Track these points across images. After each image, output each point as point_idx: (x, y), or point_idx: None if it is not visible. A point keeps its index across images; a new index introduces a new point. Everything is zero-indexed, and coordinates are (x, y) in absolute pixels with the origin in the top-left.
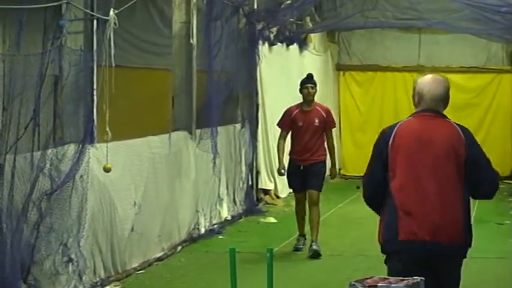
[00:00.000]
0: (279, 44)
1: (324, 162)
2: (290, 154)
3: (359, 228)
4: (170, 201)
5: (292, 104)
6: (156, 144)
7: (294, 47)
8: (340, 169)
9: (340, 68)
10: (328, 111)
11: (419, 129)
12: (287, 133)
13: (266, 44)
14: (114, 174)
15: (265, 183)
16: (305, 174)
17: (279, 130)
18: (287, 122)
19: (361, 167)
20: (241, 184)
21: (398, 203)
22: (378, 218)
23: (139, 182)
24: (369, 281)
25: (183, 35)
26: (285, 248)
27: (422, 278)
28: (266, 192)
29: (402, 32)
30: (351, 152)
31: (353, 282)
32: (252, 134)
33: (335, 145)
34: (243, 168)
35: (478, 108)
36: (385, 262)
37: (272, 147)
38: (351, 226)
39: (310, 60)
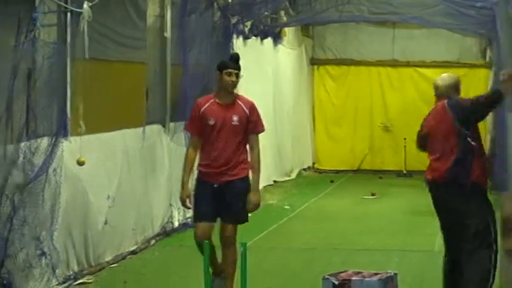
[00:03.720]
0: (253, 38)
1: (247, 179)
2: (198, 168)
3: (333, 222)
4: (144, 194)
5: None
6: (130, 138)
7: (268, 41)
8: (314, 163)
9: (314, 62)
10: (253, 108)
11: None
12: (198, 138)
13: (240, 38)
14: (87, 167)
15: None
16: (220, 198)
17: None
18: (195, 121)
19: (335, 160)
20: None
21: None
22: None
23: (113, 175)
24: (342, 275)
25: (157, 28)
26: (259, 241)
27: (396, 272)
28: None
29: (377, 27)
30: (325, 145)
31: (327, 276)
32: None
33: (261, 158)
34: None
35: None
36: None
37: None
38: (324, 220)
39: (284, 54)
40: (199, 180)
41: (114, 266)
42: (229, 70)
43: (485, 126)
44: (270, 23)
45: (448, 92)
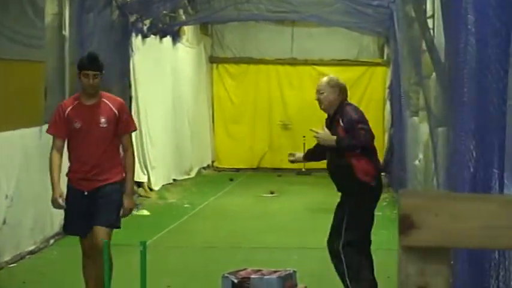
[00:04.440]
0: (152, 36)
1: (121, 184)
2: (68, 175)
3: (232, 220)
4: (43, 193)
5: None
6: (28, 137)
7: (167, 39)
8: (213, 161)
9: (213, 60)
10: (121, 106)
11: None
12: (63, 141)
13: (139, 37)
14: None
15: (138, 176)
16: (91, 206)
17: (154, 120)
18: (60, 124)
19: (234, 158)
20: None
21: None
22: (250, 211)
23: (11, 174)
24: (242, 273)
25: (55, 26)
26: (158, 240)
27: (295, 269)
28: (139, 184)
29: (276, 25)
30: (224, 143)
31: (226, 274)
32: None
33: (135, 159)
34: None
35: (350, 100)
36: None
37: (146, 140)
38: (224, 218)
39: (183, 52)
40: (69, 188)
41: (12, 266)
42: (85, 71)
43: (383, 125)
44: (169, 22)
45: None
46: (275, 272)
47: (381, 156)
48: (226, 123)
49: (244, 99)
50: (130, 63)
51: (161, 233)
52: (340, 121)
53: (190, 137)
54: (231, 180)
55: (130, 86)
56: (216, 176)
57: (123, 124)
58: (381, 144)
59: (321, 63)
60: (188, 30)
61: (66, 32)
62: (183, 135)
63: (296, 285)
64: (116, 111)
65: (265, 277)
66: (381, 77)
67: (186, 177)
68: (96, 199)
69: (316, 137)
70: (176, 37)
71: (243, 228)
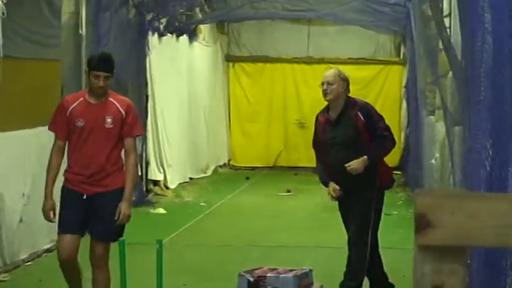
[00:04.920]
0: (168, 35)
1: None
2: (65, 174)
3: (248, 219)
4: (59, 192)
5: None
6: (44, 135)
7: (184, 38)
8: (229, 160)
9: (229, 59)
10: (129, 108)
11: None
12: (64, 141)
13: (156, 35)
14: (2, 165)
15: (155, 174)
16: (89, 211)
17: (170, 119)
18: (62, 122)
19: (250, 157)
20: None
21: None
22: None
23: (27, 172)
24: (257, 271)
25: (72, 25)
26: (174, 239)
27: (311, 268)
28: (155, 183)
29: (292, 24)
30: (240, 142)
31: (242, 273)
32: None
33: (138, 165)
34: None
35: (366, 99)
36: None
37: (162, 138)
38: (240, 217)
39: (199, 51)
40: (65, 189)
41: (29, 264)
42: (96, 72)
43: (399, 124)
44: (185, 20)
45: None
46: (291, 270)
47: (397, 155)
48: (243, 122)
49: (260, 98)
50: (147, 62)
51: (177, 231)
52: (360, 114)
53: (207, 136)
54: (247, 178)
55: (146, 84)
56: (232, 174)
57: (128, 126)
58: (397, 142)
59: (337, 61)
60: (204, 29)
61: (83, 31)
62: (199, 134)
63: (312, 284)
64: (123, 112)
65: (281, 276)
66: (397, 75)
67: (203, 175)
68: (96, 206)
69: (352, 169)
70: (192, 36)
71: (259, 226)
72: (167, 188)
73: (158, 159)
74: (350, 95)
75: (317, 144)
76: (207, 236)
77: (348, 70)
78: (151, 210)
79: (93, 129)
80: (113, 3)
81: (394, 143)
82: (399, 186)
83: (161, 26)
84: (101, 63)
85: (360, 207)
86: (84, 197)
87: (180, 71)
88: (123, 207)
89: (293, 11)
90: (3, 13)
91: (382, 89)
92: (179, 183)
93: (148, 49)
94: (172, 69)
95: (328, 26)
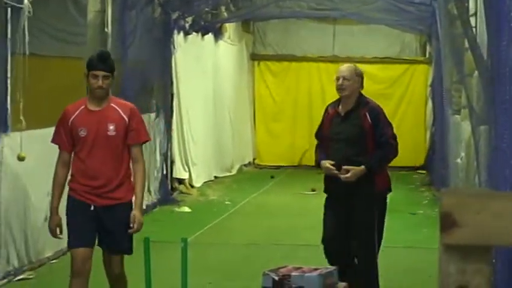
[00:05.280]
0: (194, 33)
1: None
2: (70, 184)
3: (273, 218)
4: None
5: (80, 100)
6: None
7: (209, 36)
8: (254, 158)
9: (255, 57)
10: (133, 113)
11: None
12: (69, 153)
13: (181, 34)
14: (28, 163)
15: (180, 172)
16: (98, 223)
17: (195, 117)
18: (65, 133)
19: (275, 156)
20: (155, 173)
21: None
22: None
23: (52, 171)
24: (282, 270)
25: (97, 23)
26: (199, 237)
27: (336, 267)
28: (181, 181)
29: (317, 23)
30: (265, 141)
31: (267, 272)
32: (166, 124)
33: (146, 171)
34: (158, 157)
35: (392, 98)
36: None
37: (187, 137)
38: (265, 216)
39: (225, 49)
40: (71, 200)
41: (54, 262)
42: (94, 72)
43: (425, 124)
44: (211, 19)
45: None
46: (316, 269)
47: (422, 155)
48: (267, 121)
49: (285, 97)
50: (172, 61)
51: (202, 229)
52: (368, 116)
53: (232, 134)
54: (272, 177)
55: (172, 83)
56: (257, 173)
57: (133, 133)
58: (422, 140)
59: (363, 60)
60: (230, 28)
61: (109, 29)
62: (224, 133)
63: (337, 283)
64: (126, 118)
65: (306, 274)
66: (422, 74)
67: (227, 174)
68: (104, 220)
69: (346, 179)
70: (218, 34)
71: (284, 225)
72: (192, 186)
73: (183, 158)
74: (375, 94)
75: (321, 136)
76: (232, 234)
77: (373, 69)
78: (176, 209)
79: (96, 138)
80: (138, 2)
81: (396, 153)
82: (424, 186)
83: (187, 25)
84: (100, 61)
85: (361, 206)
86: (92, 208)
87: (205, 69)
88: (137, 215)
89: (318, 10)
90: (29, 11)
91: (407, 89)
92: (204, 182)
93: (174, 48)
94: (197, 67)
95: (353, 25)
